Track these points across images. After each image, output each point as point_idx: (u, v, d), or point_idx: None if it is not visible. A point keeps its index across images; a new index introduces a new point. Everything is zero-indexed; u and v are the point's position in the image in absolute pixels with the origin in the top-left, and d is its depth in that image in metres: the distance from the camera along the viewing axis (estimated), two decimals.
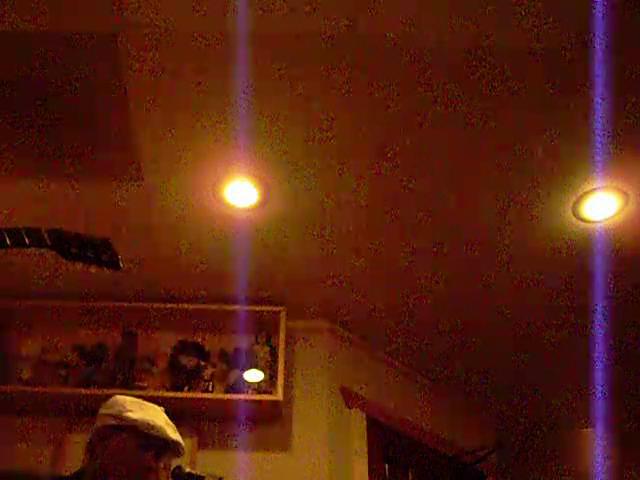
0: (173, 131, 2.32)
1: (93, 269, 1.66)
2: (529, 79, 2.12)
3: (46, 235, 1.61)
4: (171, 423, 1.73)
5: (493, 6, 1.92)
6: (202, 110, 2.24)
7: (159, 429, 1.67)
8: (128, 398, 1.75)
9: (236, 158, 2.41)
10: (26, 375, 2.87)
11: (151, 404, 1.76)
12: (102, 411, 1.73)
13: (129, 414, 1.68)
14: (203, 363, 2.93)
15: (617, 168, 2.39)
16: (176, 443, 1.70)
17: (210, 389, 2.86)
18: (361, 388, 3.21)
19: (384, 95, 2.19)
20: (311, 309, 3.15)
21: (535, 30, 1.97)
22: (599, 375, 3.40)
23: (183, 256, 2.86)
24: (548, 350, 3.42)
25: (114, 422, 1.68)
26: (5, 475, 2.01)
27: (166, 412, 1.77)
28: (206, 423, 2.83)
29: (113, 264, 1.67)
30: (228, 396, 2.82)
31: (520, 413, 3.93)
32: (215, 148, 2.37)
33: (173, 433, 1.70)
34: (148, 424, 1.66)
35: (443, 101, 2.20)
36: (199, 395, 2.81)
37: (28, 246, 1.59)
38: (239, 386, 2.86)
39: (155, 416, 1.70)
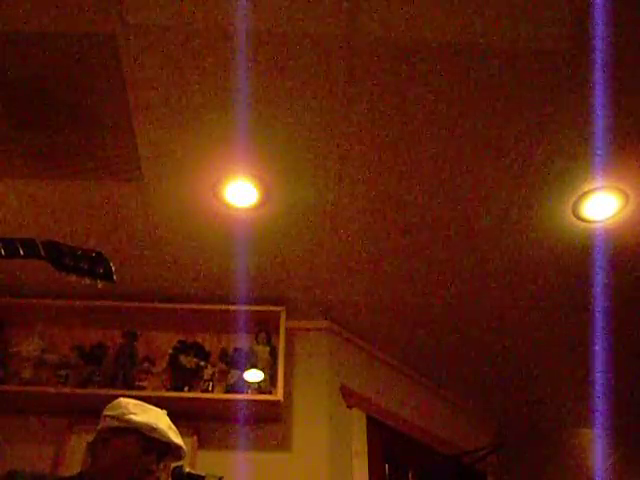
0: (173, 131, 2.32)
1: (87, 281, 1.66)
2: (529, 79, 2.12)
3: (41, 247, 1.62)
4: (174, 427, 1.74)
5: (493, 6, 1.92)
6: (202, 110, 2.24)
7: (162, 432, 1.68)
8: (132, 401, 1.75)
9: (236, 158, 2.41)
10: (26, 375, 2.87)
11: (154, 407, 1.77)
12: (105, 413, 1.74)
13: (132, 417, 1.68)
14: (203, 363, 2.93)
15: (617, 168, 2.39)
16: (178, 447, 1.71)
17: (210, 389, 2.86)
18: (361, 388, 3.21)
19: (384, 95, 2.19)
20: (311, 309, 3.15)
21: (535, 30, 1.97)
22: (599, 375, 3.41)
23: (183, 256, 2.86)
24: (548, 350, 3.42)
25: (117, 424, 1.69)
26: (11, 476, 2.02)
27: (166, 412, 1.78)
28: (206, 423, 2.83)
29: (107, 277, 1.68)
30: (228, 396, 2.82)
31: (520, 413, 3.94)
32: (215, 148, 2.37)
33: (176, 437, 1.71)
34: (151, 427, 1.67)
35: (443, 101, 2.20)
36: (199, 395, 2.81)
37: (22, 257, 1.60)
38: (239, 386, 2.86)
39: (158, 419, 1.71)
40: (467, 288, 3.01)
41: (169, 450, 1.70)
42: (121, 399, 1.76)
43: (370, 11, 1.94)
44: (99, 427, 1.73)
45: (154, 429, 1.67)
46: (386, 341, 3.35)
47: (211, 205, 2.60)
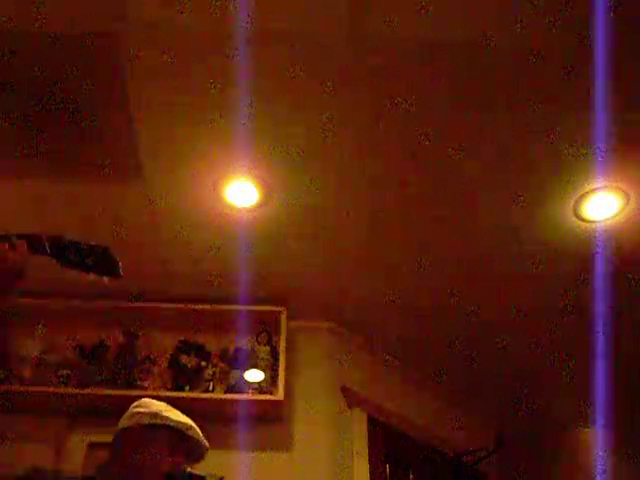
0: (173, 131, 2.32)
1: (92, 277, 1.64)
2: (529, 79, 2.12)
3: (46, 243, 1.60)
4: None
5: (494, 6, 1.92)
6: (202, 109, 2.24)
7: (196, 431, 1.70)
8: (159, 402, 1.76)
9: (236, 158, 2.41)
10: (26, 375, 2.86)
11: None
12: (136, 410, 1.73)
13: (168, 414, 1.69)
14: (204, 363, 2.93)
15: (617, 168, 2.39)
16: (206, 447, 1.73)
17: (211, 389, 2.86)
18: (361, 388, 3.21)
19: (384, 95, 2.19)
20: (311, 309, 3.14)
21: (536, 30, 1.97)
22: (599, 375, 3.40)
23: (183, 256, 2.86)
24: (548, 350, 3.42)
25: (151, 421, 1.68)
26: (29, 475, 2.03)
27: None
28: (207, 423, 2.80)
29: (113, 272, 1.66)
30: (229, 396, 2.82)
31: (520, 413, 3.93)
32: (215, 148, 2.37)
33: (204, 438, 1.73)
34: (188, 425, 1.69)
35: (443, 101, 2.20)
36: (200, 395, 2.81)
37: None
38: (240, 386, 2.86)
39: (188, 419, 1.73)
40: (467, 288, 3.01)
41: (194, 448, 1.72)
42: (147, 399, 1.77)
43: (373, 12, 1.94)
44: (126, 424, 1.71)
45: (191, 427, 1.69)
46: (386, 341, 3.35)
47: (211, 205, 2.60)
